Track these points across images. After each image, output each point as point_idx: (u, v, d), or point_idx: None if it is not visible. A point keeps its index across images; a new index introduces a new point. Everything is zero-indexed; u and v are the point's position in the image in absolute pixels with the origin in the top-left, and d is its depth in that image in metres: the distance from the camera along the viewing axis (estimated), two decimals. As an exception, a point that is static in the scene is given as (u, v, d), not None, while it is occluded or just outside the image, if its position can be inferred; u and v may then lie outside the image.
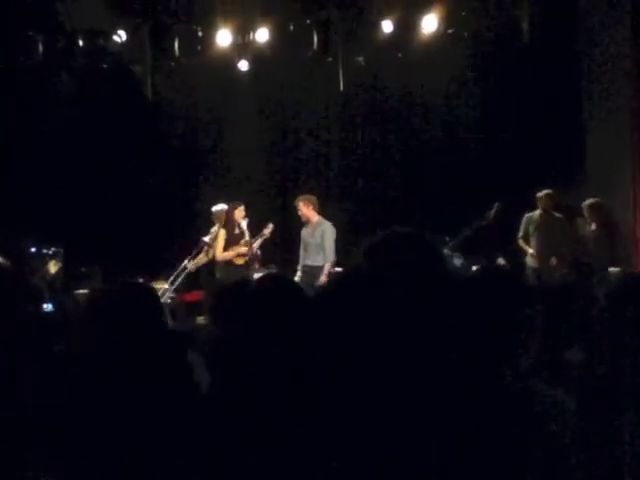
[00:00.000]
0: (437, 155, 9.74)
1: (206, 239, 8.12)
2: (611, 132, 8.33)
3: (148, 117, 9.66)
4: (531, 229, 8.37)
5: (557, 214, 8.32)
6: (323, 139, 10.22)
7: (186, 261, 8.06)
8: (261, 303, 2.25)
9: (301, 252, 8.12)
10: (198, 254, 8.07)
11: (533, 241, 8.32)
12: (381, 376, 1.75)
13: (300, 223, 8.22)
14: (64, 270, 7.35)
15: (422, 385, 1.74)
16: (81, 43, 8.86)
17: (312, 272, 7.87)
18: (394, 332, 1.78)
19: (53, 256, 7.26)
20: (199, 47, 9.21)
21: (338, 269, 7.95)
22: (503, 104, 9.26)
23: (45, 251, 7.29)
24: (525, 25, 8.55)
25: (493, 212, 7.91)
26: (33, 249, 7.27)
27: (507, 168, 8.70)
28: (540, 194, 8.27)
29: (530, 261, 8.32)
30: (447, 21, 8.76)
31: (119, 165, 9.44)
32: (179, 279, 8.06)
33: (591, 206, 8.05)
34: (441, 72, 9.05)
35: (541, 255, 8.21)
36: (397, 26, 8.87)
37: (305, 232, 8.10)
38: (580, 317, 2.81)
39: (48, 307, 3.81)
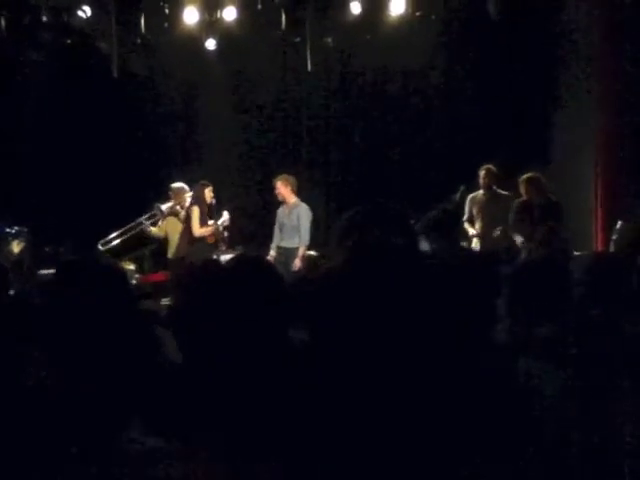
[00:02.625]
0: (403, 137, 9.78)
1: (163, 207, 8.06)
2: (576, 115, 8.43)
3: (114, 94, 9.54)
4: (475, 210, 7.86)
5: (502, 192, 7.81)
6: (292, 119, 10.19)
7: (142, 219, 8.01)
8: (238, 284, 2.23)
9: (275, 232, 8.06)
10: (152, 217, 8.02)
11: (477, 223, 7.84)
12: (359, 358, 1.77)
13: (273, 204, 8.19)
14: (29, 250, 7.26)
15: (404, 366, 1.76)
16: (45, 19, 8.70)
17: (286, 254, 7.85)
18: (372, 312, 1.80)
19: (16, 235, 7.17)
20: (166, 24, 9.13)
21: (312, 252, 7.98)
22: (471, 87, 9.33)
23: (8, 230, 7.19)
24: (492, 6, 8.60)
25: (458, 195, 7.93)
26: (-6, 228, 7.18)
27: (474, 151, 8.73)
28: (480, 170, 7.77)
29: (475, 243, 7.80)
30: (415, 3, 8.78)
31: (85, 143, 9.33)
32: (129, 233, 8.04)
33: (527, 180, 7.40)
34: (409, 54, 9.07)
35: (485, 236, 7.66)
36: (365, 7, 8.87)
37: (281, 212, 8.05)
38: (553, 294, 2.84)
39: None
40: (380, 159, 9.89)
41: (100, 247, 8.23)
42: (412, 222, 7.77)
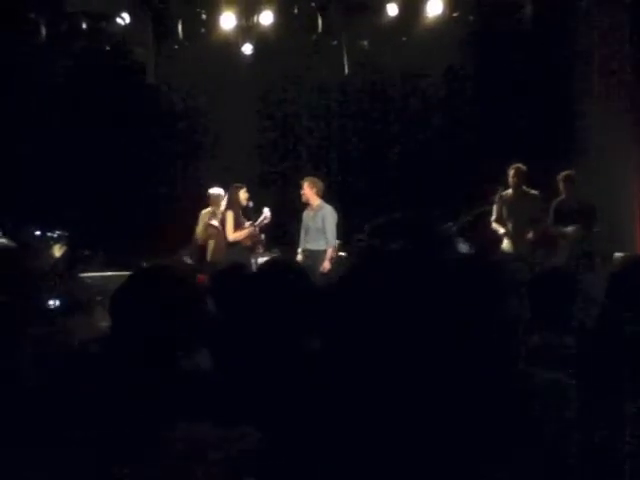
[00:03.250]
0: (439, 139, 9.71)
1: (215, 223, 8.06)
2: (611, 114, 8.30)
3: (151, 100, 9.63)
4: (504, 210, 7.72)
5: (532, 191, 7.64)
6: (326, 123, 10.18)
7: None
8: (267, 287, 2.24)
9: (302, 235, 8.04)
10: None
11: (508, 222, 7.67)
12: (388, 362, 1.75)
13: (301, 208, 8.19)
14: (69, 253, 7.35)
15: (427, 368, 1.75)
16: (84, 26, 8.82)
17: (313, 256, 7.81)
18: (402, 316, 1.79)
19: (58, 239, 7.25)
20: (203, 30, 9.19)
21: (340, 253, 7.94)
22: (504, 89, 9.24)
23: (50, 234, 7.28)
24: (528, 10, 8.52)
25: (497, 197, 7.84)
26: (38, 232, 7.27)
27: (510, 153, 8.62)
28: (509, 169, 7.65)
29: (506, 243, 7.66)
30: (452, 4, 8.72)
31: (121, 149, 9.42)
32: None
33: (566, 178, 7.30)
34: (445, 56, 9.01)
35: (516, 237, 7.53)
36: (402, 9, 8.83)
37: (306, 215, 8.04)
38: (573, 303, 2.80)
39: (55, 303, 3.71)
40: (419, 161, 9.82)
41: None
42: (450, 224, 7.73)
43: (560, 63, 8.80)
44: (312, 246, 7.88)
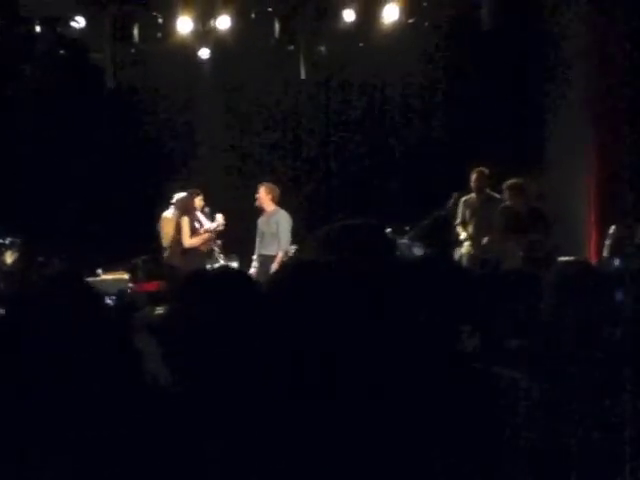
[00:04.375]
0: (397, 144, 9.79)
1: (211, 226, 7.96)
2: (569, 120, 8.44)
3: (109, 104, 9.56)
4: (468, 214, 7.74)
5: (495, 194, 7.69)
6: (285, 127, 10.20)
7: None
8: (215, 294, 2.23)
9: (257, 241, 8.06)
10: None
11: (470, 226, 7.72)
12: (335, 366, 1.77)
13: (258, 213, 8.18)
14: (23, 261, 7.26)
15: (378, 371, 1.77)
16: (39, 30, 8.73)
17: (267, 261, 7.83)
18: (347, 320, 1.81)
19: (10, 246, 7.17)
20: (159, 34, 9.15)
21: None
22: (463, 93, 9.35)
23: (1, 241, 7.19)
24: (485, 13, 8.63)
25: (452, 202, 7.93)
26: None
27: (467, 157, 8.72)
28: (472, 172, 7.68)
29: (466, 247, 7.72)
30: (408, 11, 8.80)
31: (79, 154, 9.34)
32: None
33: (510, 187, 7.31)
34: (402, 61, 9.09)
35: (478, 241, 7.56)
36: (359, 15, 8.90)
37: (261, 221, 8.05)
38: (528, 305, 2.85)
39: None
40: (376, 165, 9.89)
41: None
42: (407, 229, 7.81)
43: (518, 68, 8.93)
44: (266, 251, 7.91)
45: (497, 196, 7.70)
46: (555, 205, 7.54)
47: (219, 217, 7.89)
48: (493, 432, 1.78)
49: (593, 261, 7.35)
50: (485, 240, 7.51)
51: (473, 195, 7.81)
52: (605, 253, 6.66)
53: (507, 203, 7.33)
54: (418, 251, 8.10)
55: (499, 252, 7.10)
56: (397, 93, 9.82)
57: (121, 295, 7.18)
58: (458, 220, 7.83)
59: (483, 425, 1.78)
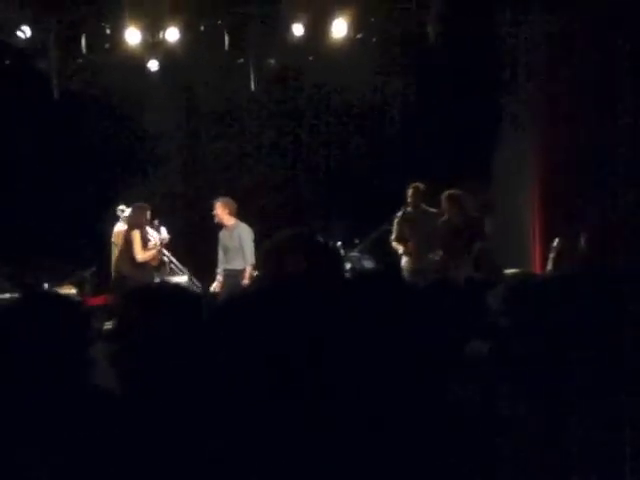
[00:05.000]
0: (346, 157, 9.88)
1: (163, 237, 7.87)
2: (515, 133, 8.63)
3: (54, 115, 9.42)
4: (406, 229, 7.80)
5: (431, 209, 7.78)
6: (235, 140, 10.20)
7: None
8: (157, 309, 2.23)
9: (220, 256, 8.05)
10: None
11: (408, 241, 7.77)
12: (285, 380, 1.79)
13: (215, 228, 8.16)
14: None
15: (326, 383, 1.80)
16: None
17: (234, 275, 7.84)
18: (295, 335, 1.83)
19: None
20: (107, 45, 9.06)
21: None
22: (410, 107, 9.51)
23: None
24: (431, 29, 8.80)
25: (400, 215, 8.02)
26: None
27: (416, 171, 8.83)
28: (408, 188, 7.77)
29: (404, 261, 7.81)
30: (356, 26, 8.91)
31: (25, 164, 9.18)
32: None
33: (447, 198, 7.35)
34: (351, 75, 9.18)
35: (418, 256, 7.63)
36: (308, 29, 8.97)
37: (223, 235, 8.05)
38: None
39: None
40: (325, 178, 9.97)
41: None
42: (356, 242, 7.86)
43: (465, 82, 9.10)
44: (232, 266, 7.92)
45: (433, 210, 7.77)
46: (502, 217, 7.69)
47: (163, 231, 7.85)
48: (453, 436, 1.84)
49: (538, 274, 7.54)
50: (432, 255, 7.55)
51: (409, 210, 7.88)
52: (549, 266, 6.79)
53: (445, 217, 7.42)
54: (368, 264, 8.20)
55: (444, 266, 7.19)
56: (345, 106, 9.90)
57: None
58: (393, 235, 7.89)
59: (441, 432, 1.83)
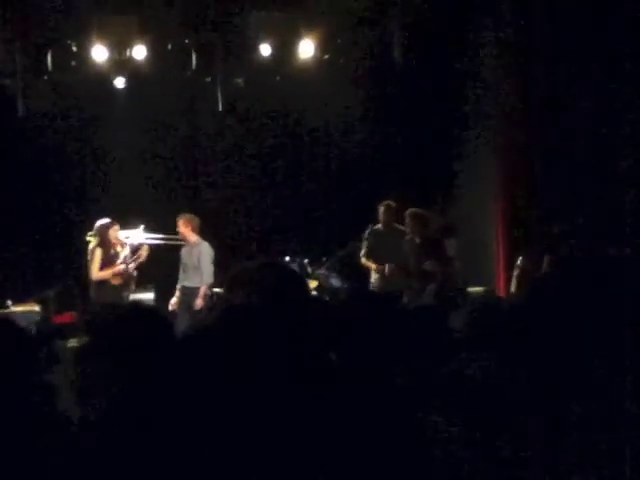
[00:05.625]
0: (313, 175, 9.96)
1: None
2: (477, 151, 8.78)
3: (20, 133, 9.35)
4: (375, 245, 7.83)
5: (399, 227, 7.80)
6: (201, 159, 10.21)
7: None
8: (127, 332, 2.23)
9: (180, 273, 8.06)
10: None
11: (377, 258, 7.80)
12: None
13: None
14: None
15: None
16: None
17: (190, 293, 7.86)
18: (268, 362, 1.86)
19: None
20: (73, 62, 9.03)
21: (216, 290, 7.96)
22: (376, 127, 9.62)
23: None
24: (396, 52, 8.96)
25: (367, 234, 8.09)
26: None
27: (384, 188, 8.89)
28: (380, 206, 7.84)
29: (374, 278, 7.83)
30: (323, 47, 9.02)
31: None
32: None
33: (410, 216, 7.45)
34: (319, 95, 9.28)
35: (384, 272, 7.67)
36: (275, 49, 9.04)
37: (184, 252, 8.06)
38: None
39: None
40: (292, 195, 10.02)
41: None
42: (324, 260, 7.92)
43: (428, 102, 9.24)
44: (189, 283, 7.92)
45: (401, 228, 7.83)
46: (466, 235, 7.79)
47: (126, 250, 7.74)
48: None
49: (501, 292, 7.66)
50: (387, 269, 7.64)
51: (379, 227, 7.93)
52: (512, 285, 6.90)
53: (409, 235, 7.52)
54: (335, 282, 8.25)
55: (400, 283, 7.26)
56: (312, 126, 9.98)
57: (42, 325, 7.04)
58: (363, 251, 7.91)
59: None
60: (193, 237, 7.98)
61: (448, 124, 9.11)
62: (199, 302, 7.75)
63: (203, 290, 7.82)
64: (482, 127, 8.84)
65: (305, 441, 1.80)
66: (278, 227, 9.63)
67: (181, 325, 7.10)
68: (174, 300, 7.96)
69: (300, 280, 2.39)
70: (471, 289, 7.20)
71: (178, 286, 8.04)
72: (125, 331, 2.13)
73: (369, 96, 9.43)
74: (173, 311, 7.85)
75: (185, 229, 7.94)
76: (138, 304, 2.72)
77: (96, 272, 7.53)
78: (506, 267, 8.01)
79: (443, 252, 7.30)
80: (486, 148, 8.80)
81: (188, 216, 8.03)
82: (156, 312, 2.35)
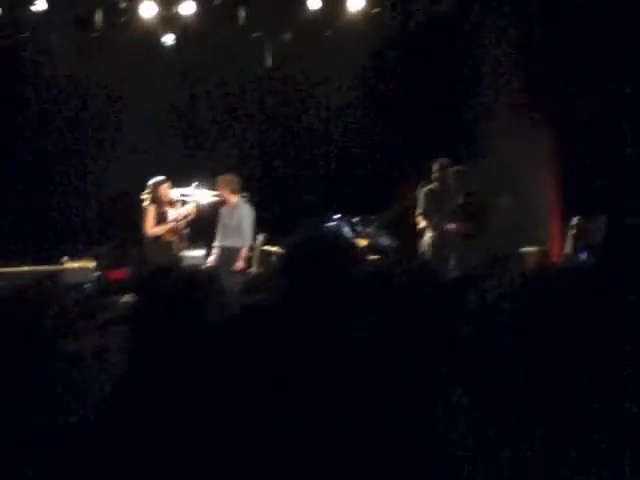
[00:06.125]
0: (361, 133, 9.84)
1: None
2: (529, 107, 8.59)
3: (70, 89, 9.41)
4: (430, 204, 7.78)
5: (452, 185, 7.74)
6: (249, 115, 10.16)
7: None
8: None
9: (219, 232, 8.00)
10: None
11: (432, 217, 7.73)
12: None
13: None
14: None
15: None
16: (-1, 13, 8.52)
17: (230, 253, 7.83)
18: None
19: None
20: (122, 19, 9.01)
21: (267, 248, 8.00)
22: (425, 82, 9.44)
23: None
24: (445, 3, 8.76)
25: (419, 191, 8.00)
26: None
27: (432, 147, 8.75)
28: (434, 165, 7.81)
29: (427, 237, 7.76)
30: (373, 1, 8.84)
31: (38, 140, 9.19)
32: None
33: (458, 173, 7.50)
34: (367, 50, 9.13)
35: (439, 231, 7.63)
36: (324, 4, 8.90)
37: (224, 212, 8.00)
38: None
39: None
40: (335, 155, 9.94)
41: None
42: (373, 218, 7.87)
43: (479, 58, 9.03)
44: (228, 243, 7.90)
45: (455, 185, 7.75)
46: (519, 194, 7.67)
47: (191, 206, 7.80)
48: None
49: (555, 253, 7.55)
50: (441, 228, 7.61)
51: (434, 186, 7.87)
52: (567, 246, 6.78)
53: (451, 191, 7.50)
54: (385, 240, 8.22)
55: (454, 242, 7.21)
56: (361, 82, 9.82)
57: (97, 282, 7.16)
58: (419, 210, 7.87)
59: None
60: (234, 198, 7.94)
61: (499, 79, 8.91)
62: (240, 263, 7.74)
63: (244, 251, 7.81)
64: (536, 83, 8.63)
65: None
66: (328, 184, 9.58)
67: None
68: (212, 258, 7.98)
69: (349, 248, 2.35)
70: (524, 249, 7.10)
71: (216, 244, 7.98)
72: (177, 293, 2.12)
73: (419, 50, 9.25)
74: (211, 268, 7.88)
75: (224, 190, 7.90)
76: (193, 270, 2.68)
77: (150, 228, 7.59)
78: (561, 227, 7.87)
79: (493, 211, 7.21)
80: (540, 103, 8.58)
81: (228, 177, 7.98)
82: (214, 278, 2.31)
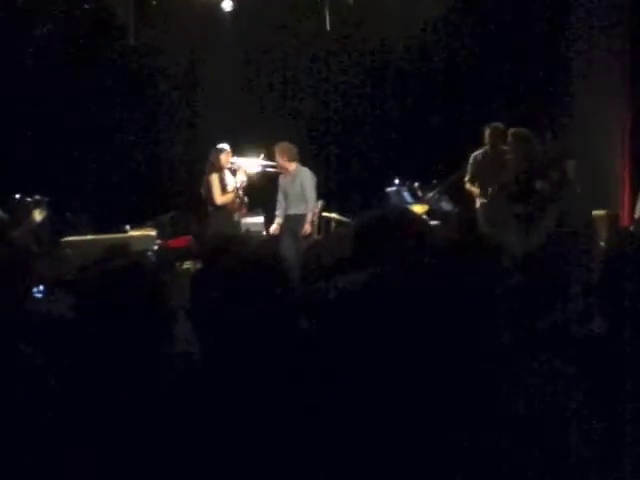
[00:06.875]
0: (421, 99, 9.63)
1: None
2: (600, 75, 8.26)
3: (131, 60, 9.49)
4: (478, 169, 7.47)
5: (506, 149, 7.31)
6: (309, 81, 10.06)
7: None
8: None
9: (280, 200, 7.95)
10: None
11: (480, 182, 7.42)
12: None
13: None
14: (49, 217, 7.26)
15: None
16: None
17: (295, 220, 7.80)
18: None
19: (37, 204, 7.15)
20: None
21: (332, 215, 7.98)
22: (490, 46, 9.18)
23: (28, 199, 7.17)
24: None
25: (472, 157, 7.76)
26: (16, 196, 7.16)
27: (496, 112, 8.52)
28: (486, 128, 7.44)
29: (479, 203, 7.45)
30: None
31: (104, 112, 9.30)
32: None
33: (517, 136, 7.03)
34: (428, 14, 8.92)
35: (491, 197, 7.29)
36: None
37: (284, 180, 7.94)
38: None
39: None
40: (401, 120, 9.76)
41: None
42: (435, 182, 7.71)
43: (548, 24, 8.73)
44: (293, 211, 7.87)
45: (509, 151, 7.35)
46: (588, 157, 7.39)
47: (240, 174, 7.75)
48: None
49: (625, 218, 7.29)
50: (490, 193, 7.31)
51: (483, 150, 7.54)
52: (637, 211, 6.52)
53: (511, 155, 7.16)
54: (446, 206, 8.07)
55: (505, 208, 6.96)
56: (422, 46, 9.59)
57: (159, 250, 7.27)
58: (467, 177, 7.57)
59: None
60: (291, 165, 7.87)
61: (566, 48, 8.61)
62: (307, 228, 7.72)
63: (310, 216, 7.78)
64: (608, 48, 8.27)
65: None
66: (386, 148, 9.44)
67: (287, 251, 7.19)
68: (275, 226, 7.96)
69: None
70: (594, 212, 6.86)
71: (278, 213, 7.95)
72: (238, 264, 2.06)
73: (484, 16, 8.97)
74: (274, 235, 7.89)
75: (281, 159, 7.83)
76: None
77: (219, 196, 7.59)
78: (631, 192, 7.58)
79: (561, 173, 6.93)
80: (612, 68, 8.24)
81: (283, 145, 7.88)
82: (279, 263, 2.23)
